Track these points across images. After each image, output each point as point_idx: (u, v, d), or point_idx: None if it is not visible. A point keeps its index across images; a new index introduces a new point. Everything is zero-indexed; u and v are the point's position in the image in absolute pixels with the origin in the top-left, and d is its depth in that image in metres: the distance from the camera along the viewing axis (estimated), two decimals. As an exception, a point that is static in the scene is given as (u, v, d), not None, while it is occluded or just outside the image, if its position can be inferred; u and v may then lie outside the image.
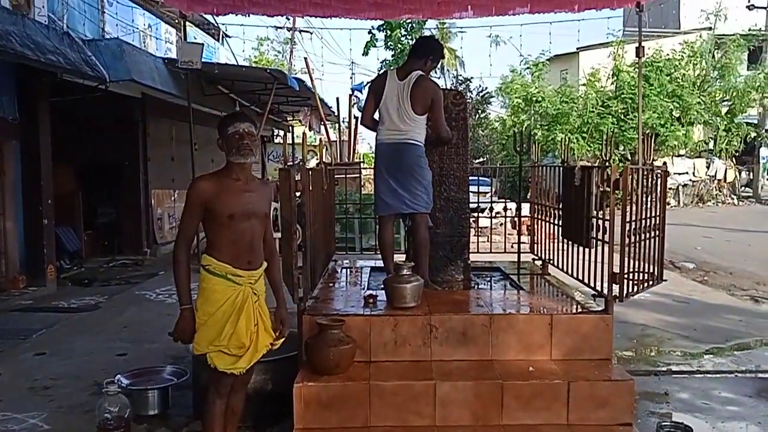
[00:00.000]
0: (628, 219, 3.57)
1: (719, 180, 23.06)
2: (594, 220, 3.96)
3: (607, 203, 3.91)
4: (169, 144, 12.48)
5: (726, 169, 23.28)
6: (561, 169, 4.67)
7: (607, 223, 3.72)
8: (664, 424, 3.62)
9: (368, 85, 4.14)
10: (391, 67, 4.04)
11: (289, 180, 3.62)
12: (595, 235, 3.92)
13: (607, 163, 3.77)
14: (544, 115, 21.36)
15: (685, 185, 21.83)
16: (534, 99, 21.21)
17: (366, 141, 25.99)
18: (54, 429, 3.92)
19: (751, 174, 25.32)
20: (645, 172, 3.87)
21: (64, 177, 10.30)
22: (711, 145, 22.88)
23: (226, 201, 2.83)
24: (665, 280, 4.21)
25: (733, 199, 23.04)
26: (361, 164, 14.84)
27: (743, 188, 24.92)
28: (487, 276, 5.10)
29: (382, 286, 4.21)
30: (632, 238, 3.68)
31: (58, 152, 8.71)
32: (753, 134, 22.70)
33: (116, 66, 8.65)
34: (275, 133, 19.41)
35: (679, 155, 21.94)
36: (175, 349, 5.43)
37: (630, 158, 18.74)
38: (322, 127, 15.79)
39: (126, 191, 11.45)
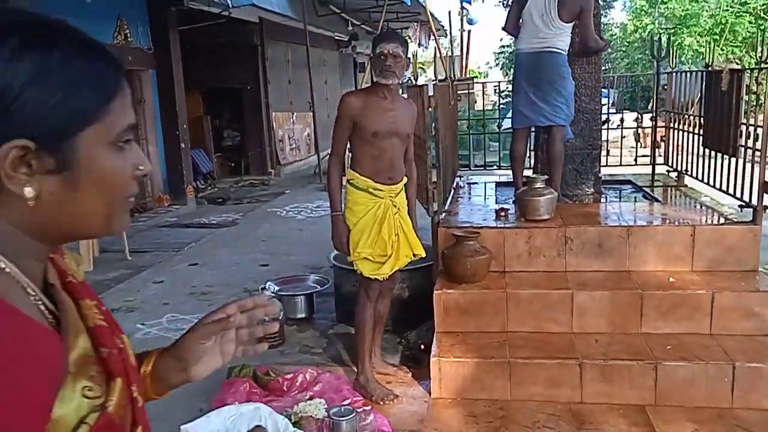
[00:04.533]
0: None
1: None
2: (743, 127, 3.74)
3: (752, 109, 3.67)
4: (286, 67, 12.80)
5: None
6: (704, 73, 4.38)
7: (759, 130, 3.50)
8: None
9: None
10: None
11: (422, 96, 3.68)
12: (744, 143, 3.70)
13: (762, 66, 3.49)
14: (669, 17, 19.66)
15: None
16: (660, 0, 19.52)
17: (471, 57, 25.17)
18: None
19: None
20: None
21: (194, 102, 10.94)
22: None
23: (371, 118, 2.94)
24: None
25: None
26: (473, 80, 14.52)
27: None
28: (619, 189, 4.98)
29: (512, 199, 4.26)
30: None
31: (186, 79, 9.22)
32: None
33: (237, -8, 8.90)
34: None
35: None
36: (311, 260, 5.85)
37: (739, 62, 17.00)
38: (432, 42, 15.49)
39: (249, 114, 11.98)
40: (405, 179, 3.17)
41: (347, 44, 15.67)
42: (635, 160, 5.62)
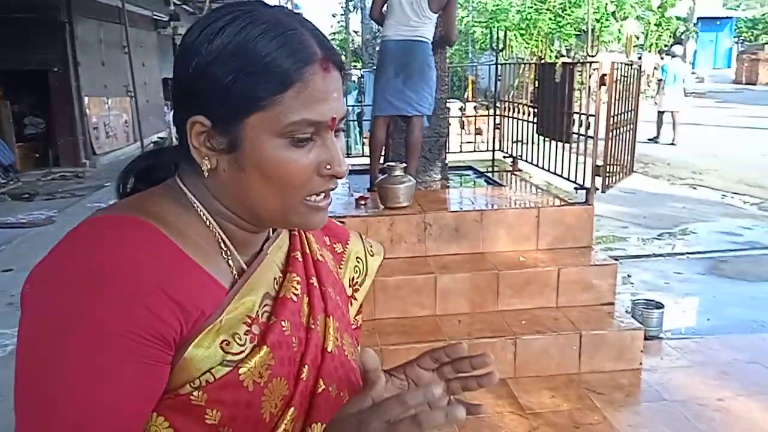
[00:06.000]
0: (613, 113, 3.71)
1: (648, 74, 23.73)
2: (575, 116, 4.09)
3: (582, 99, 4.03)
4: (98, 47, 11.69)
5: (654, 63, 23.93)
6: (538, 66, 4.73)
7: (591, 118, 3.85)
8: (637, 300, 3.96)
9: None
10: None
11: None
12: (577, 131, 4.05)
13: (591, 59, 3.83)
14: (482, 11, 21.08)
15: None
16: (472, -6, 20.85)
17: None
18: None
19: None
20: (625, 67, 3.99)
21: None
22: (642, 39, 23.35)
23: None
24: (635, 171, 4.46)
25: (662, 92, 23.87)
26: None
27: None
28: (463, 175, 5.22)
29: (367, 187, 4.27)
30: (614, 131, 3.85)
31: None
32: (682, 28, 23.28)
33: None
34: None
35: (611, 51, 22.32)
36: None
37: (566, 54, 18.95)
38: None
39: (57, 99, 10.76)
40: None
41: (166, 24, 14.70)
42: (460, 147, 5.90)
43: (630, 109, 4.07)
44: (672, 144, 11.48)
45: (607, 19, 20.10)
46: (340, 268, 0.96)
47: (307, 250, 0.86)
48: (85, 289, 0.61)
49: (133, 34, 11.09)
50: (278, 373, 0.73)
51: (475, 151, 5.64)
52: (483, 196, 4.40)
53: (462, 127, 7.72)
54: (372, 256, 1.02)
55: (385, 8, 3.97)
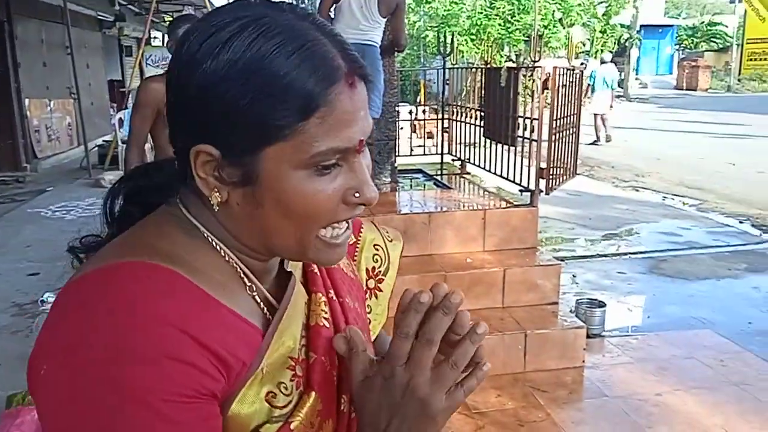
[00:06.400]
0: (555, 116, 3.80)
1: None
2: (520, 119, 4.17)
3: (524, 103, 4.12)
4: (40, 48, 11.32)
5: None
6: (485, 70, 4.80)
7: (535, 122, 3.94)
8: (581, 300, 4.06)
9: None
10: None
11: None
12: (522, 134, 4.13)
13: (535, 64, 3.92)
14: (433, 16, 21.29)
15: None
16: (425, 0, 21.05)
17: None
18: (-16, 353, 3.76)
19: (623, 74, 27.01)
20: (567, 72, 4.09)
21: None
22: (588, 46, 24.00)
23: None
24: (580, 174, 4.57)
25: (591, 96, 24.57)
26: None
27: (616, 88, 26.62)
28: (412, 178, 5.26)
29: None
30: (557, 135, 3.94)
31: None
32: (626, 36, 24.03)
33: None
34: (153, 36, 18.06)
35: (559, 56, 22.86)
36: (93, 265, 5.27)
37: (515, 60, 19.31)
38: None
39: (-5, 101, 10.37)
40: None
41: (112, 25, 14.35)
42: (410, 150, 5.94)
43: (572, 113, 4.17)
44: (595, 144, 12.16)
45: (554, 26, 20.59)
46: (354, 259, 0.88)
47: None
48: (117, 361, 0.54)
49: (76, 34, 10.79)
50: (326, 415, 0.68)
51: (425, 154, 5.68)
52: (432, 199, 4.45)
53: (413, 131, 7.76)
54: (391, 242, 0.94)
55: (332, 11, 3.96)
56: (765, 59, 30.80)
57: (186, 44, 0.60)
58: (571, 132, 4.23)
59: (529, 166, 4.01)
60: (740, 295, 4.71)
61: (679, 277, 5.09)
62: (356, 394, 0.66)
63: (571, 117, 4.19)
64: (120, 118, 9.78)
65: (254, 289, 0.67)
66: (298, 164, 0.59)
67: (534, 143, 3.94)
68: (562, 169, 4.25)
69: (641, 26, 28.86)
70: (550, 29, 20.32)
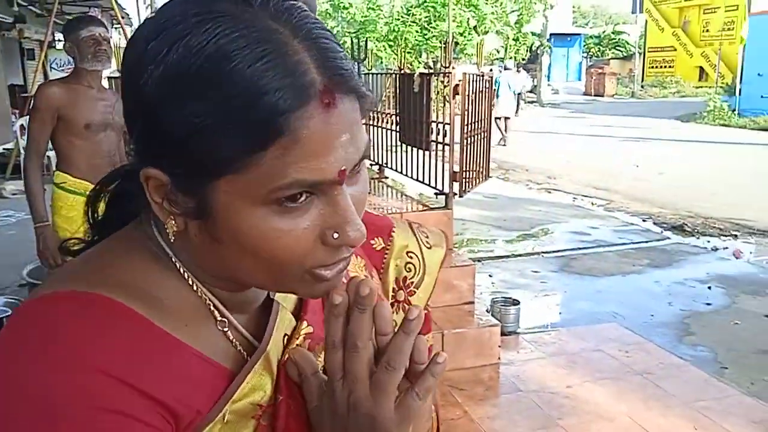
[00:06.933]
0: (466, 121, 3.90)
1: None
2: (434, 124, 4.25)
3: (440, 108, 4.21)
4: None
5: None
6: (398, 76, 4.87)
7: (447, 127, 4.03)
8: (496, 299, 4.18)
9: None
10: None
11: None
12: (435, 138, 4.21)
13: (447, 69, 4.01)
14: (351, 22, 21.41)
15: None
16: (341, 5, 21.12)
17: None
18: None
19: (535, 80, 28.08)
20: (477, 79, 4.21)
21: None
22: (502, 53, 24.81)
23: (81, 108, 2.62)
24: (491, 177, 4.71)
25: (497, 101, 25.46)
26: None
27: (528, 93, 27.61)
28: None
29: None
30: (469, 139, 4.05)
31: None
32: (537, 43, 25.02)
33: None
34: (57, 39, 17.22)
35: (474, 63, 23.51)
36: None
37: (432, 66, 19.70)
38: (118, 32, 14.32)
39: None
40: (121, 181, 2.89)
41: (11, 27, 13.58)
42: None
43: (482, 118, 4.30)
44: (502, 145, 12.88)
45: (469, 33, 21.16)
46: (381, 269, 0.77)
47: None
48: (46, 420, 0.46)
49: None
50: None
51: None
52: (349, 204, 4.46)
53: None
54: (429, 248, 0.80)
55: None
56: (665, 67, 32.85)
57: (131, 41, 0.52)
58: (482, 136, 4.36)
59: (443, 170, 4.09)
60: (643, 290, 4.98)
61: (588, 274, 5.33)
62: (312, 422, 0.59)
63: (482, 122, 4.31)
64: (22, 125, 9.27)
65: (226, 324, 0.58)
66: (255, 200, 0.49)
67: (447, 147, 4.03)
68: (475, 172, 4.37)
69: (551, 35, 30.15)
70: (465, 36, 20.88)
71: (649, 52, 33.89)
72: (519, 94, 21.96)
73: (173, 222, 0.53)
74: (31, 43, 16.20)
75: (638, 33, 33.98)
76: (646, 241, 6.34)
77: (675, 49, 32.01)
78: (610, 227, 6.88)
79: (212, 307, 0.58)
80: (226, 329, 0.58)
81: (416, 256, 0.79)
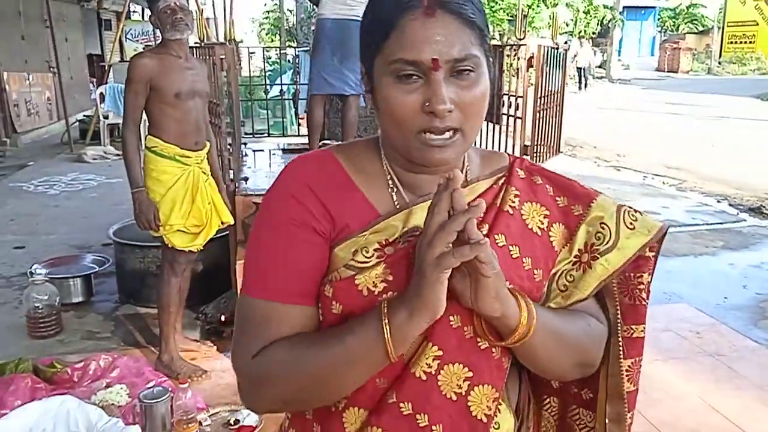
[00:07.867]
0: (540, 95, 3.86)
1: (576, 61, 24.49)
2: (505, 97, 4.21)
3: (510, 82, 4.16)
4: (17, 20, 11.11)
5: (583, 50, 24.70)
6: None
7: (520, 100, 3.99)
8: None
9: None
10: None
11: (213, 57, 3.50)
12: (507, 112, 4.18)
13: (521, 42, 3.96)
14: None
15: (547, 66, 22.97)
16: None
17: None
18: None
19: (605, 55, 27.14)
20: (551, 51, 4.14)
21: None
22: (571, 27, 24.08)
23: (171, 78, 2.73)
24: (563, 153, 4.64)
25: (587, 79, 24.72)
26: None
27: (597, 68, 26.72)
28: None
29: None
30: (542, 112, 4.00)
31: None
32: (609, 16, 24.14)
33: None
34: (132, 10, 17.75)
35: (542, 37, 22.91)
36: (77, 238, 5.27)
37: (499, 39, 19.33)
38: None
39: (-28, 74, 10.18)
40: (208, 144, 3.01)
41: (91, -2, 14.10)
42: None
43: (556, 90, 4.23)
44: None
45: (538, 5, 20.63)
46: (575, 229, 0.92)
47: (497, 201, 0.89)
48: (270, 195, 0.87)
49: (54, 7, 10.63)
50: (395, 287, 0.81)
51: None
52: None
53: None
54: (631, 229, 0.92)
55: None
56: (745, 42, 31.14)
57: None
58: (555, 110, 4.29)
59: (513, 144, 4.07)
60: (717, 272, 4.84)
61: (659, 255, 5.20)
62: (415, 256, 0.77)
63: (555, 95, 4.25)
64: (101, 93, 9.67)
65: (395, 190, 0.87)
66: (384, 72, 0.79)
67: (519, 121, 4.00)
68: (546, 147, 4.32)
69: (624, 7, 29.00)
70: (534, 9, 20.38)
71: (728, 26, 32.17)
72: (583, 69, 21.31)
73: (369, 96, 0.85)
74: (109, 14, 16.79)
75: (717, 6, 32.31)
76: (721, 223, 6.13)
77: (757, 24, 30.29)
78: (682, 207, 6.68)
79: (389, 176, 0.88)
80: (393, 192, 0.87)
81: (608, 228, 0.91)
